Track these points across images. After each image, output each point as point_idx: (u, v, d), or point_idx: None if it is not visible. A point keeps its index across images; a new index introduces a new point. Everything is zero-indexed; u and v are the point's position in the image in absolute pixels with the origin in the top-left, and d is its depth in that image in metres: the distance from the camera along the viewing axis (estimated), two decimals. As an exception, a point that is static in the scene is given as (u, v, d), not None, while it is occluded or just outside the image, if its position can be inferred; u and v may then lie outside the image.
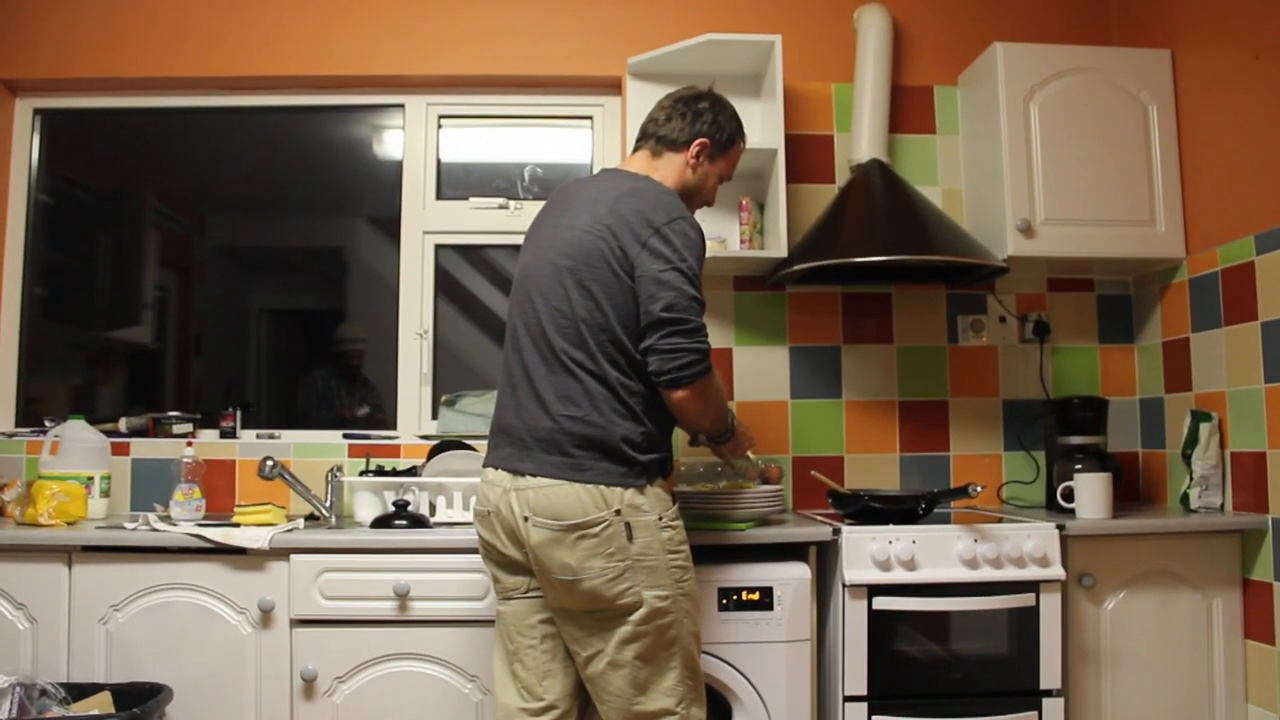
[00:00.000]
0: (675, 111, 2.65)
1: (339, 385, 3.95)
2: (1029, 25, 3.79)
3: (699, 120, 2.63)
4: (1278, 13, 2.98)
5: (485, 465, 2.49)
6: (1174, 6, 3.49)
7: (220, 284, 4.14)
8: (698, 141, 2.62)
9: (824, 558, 2.96)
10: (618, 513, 2.29)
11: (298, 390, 3.97)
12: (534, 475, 2.33)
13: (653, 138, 2.65)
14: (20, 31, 3.69)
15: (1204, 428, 3.24)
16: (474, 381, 3.77)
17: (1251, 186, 3.14)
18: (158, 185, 4.07)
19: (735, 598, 2.77)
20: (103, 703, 2.65)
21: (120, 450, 3.51)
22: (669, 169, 2.62)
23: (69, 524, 3.00)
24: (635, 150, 2.70)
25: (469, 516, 3.09)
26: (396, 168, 3.87)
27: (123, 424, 3.60)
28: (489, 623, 2.68)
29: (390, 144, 3.95)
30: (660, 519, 2.35)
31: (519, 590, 2.46)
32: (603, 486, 2.30)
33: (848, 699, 2.83)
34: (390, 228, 3.86)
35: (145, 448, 3.55)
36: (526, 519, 2.32)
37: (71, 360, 3.97)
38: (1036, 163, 3.40)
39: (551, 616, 2.43)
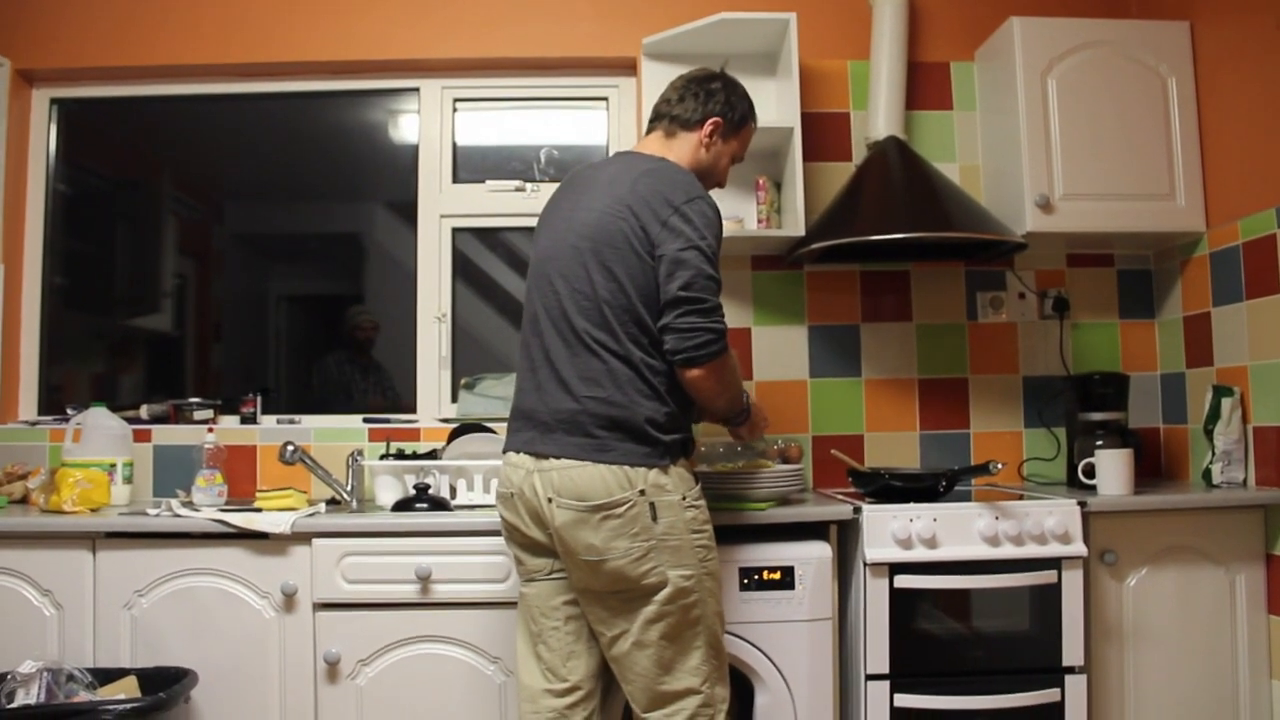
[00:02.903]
0: (688, 92, 2.65)
1: (353, 370, 3.96)
2: (1044, 0, 3.76)
3: (712, 100, 2.64)
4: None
5: (507, 449, 2.49)
6: (1193, -22, 3.46)
7: (238, 271, 4.16)
8: (711, 120, 2.63)
9: (845, 536, 2.96)
10: (642, 493, 2.30)
11: (312, 376, 3.99)
12: (557, 457, 2.34)
13: (666, 118, 2.65)
14: (35, 21, 3.70)
15: (1226, 402, 3.22)
16: (492, 364, 3.77)
17: (1273, 159, 3.11)
18: (174, 173, 4.09)
19: (757, 577, 2.78)
20: (129, 687, 2.68)
21: (142, 437, 3.53)
22: (683, 149, 2.62)
23: (92, 511, 3.02)
24: (649, 131, 2.71)
25: (490, 499, 3.10)
26: (413, 152, 3.87)
27: (144, 411, 3.62)
28: (511, 604, 2.69)
29: (406, 128, 3.95)
30: (684, 499, 2.36)
31: (542, 572, 2.47)
32: (627, 467, 2.30)
33: (870, 677, 2.83)
34: (407, 212, 3.86)
35: (167, 434, 3.56)
36: (550, 500, 2.33)
37: (92, 348, 3.99)
38: (1055, 138, 3.38)
39: (575, 598, 2.44)
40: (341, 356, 3.97)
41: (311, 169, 4.08)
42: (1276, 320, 3.09)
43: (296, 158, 4.08)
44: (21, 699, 2.60)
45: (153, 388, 3.92)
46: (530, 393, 2.46)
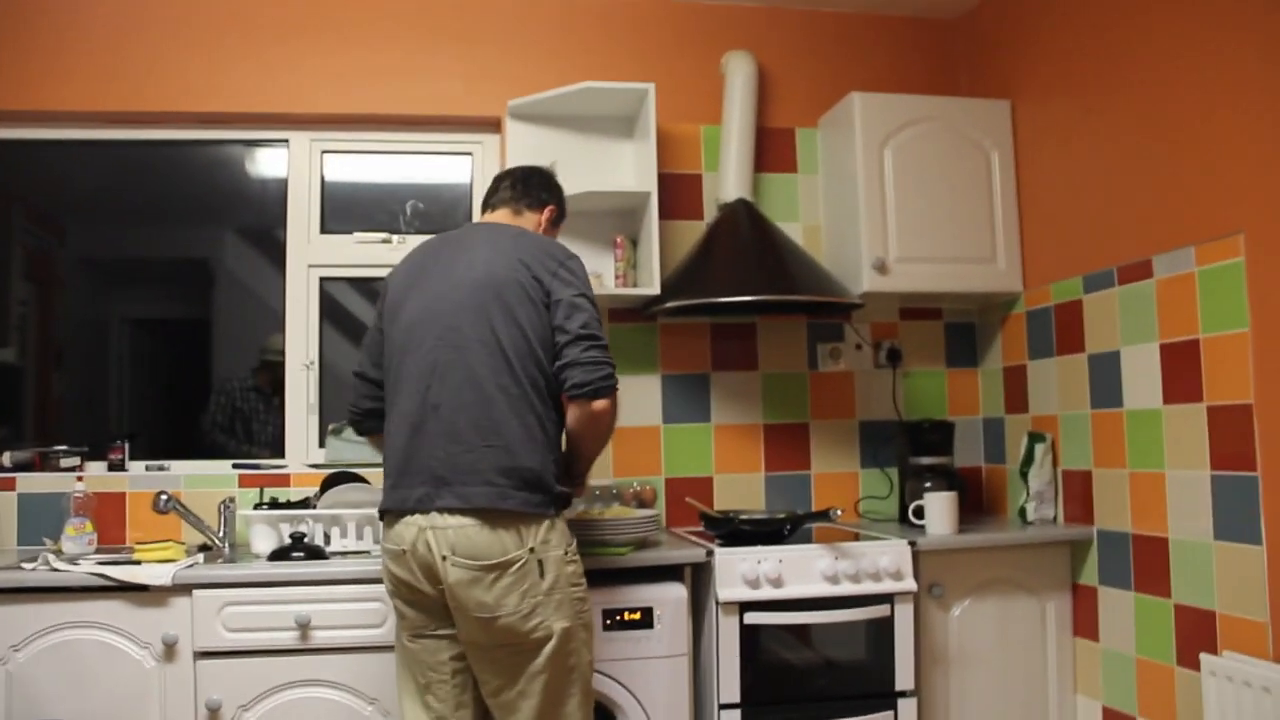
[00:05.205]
0: (532, 183, 2.93)
1: (259, 401, 3.99)
2: (884, 74, 4.08)
3: (554, 192, 2.96)
4: (1107, 71, 3.29)
5: (392, 506, 2.54)
6: (1013, 60, 3.80)
7: (84, 299, 4.14)
8: (549, 208, 2.91)
9: (698, 576, 3.17)
10: (532, 550, 2.44)
11: (209, 405, 4.00)
12: (454, 512, 2.43)
13: (512, 201, 2.89)
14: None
15: (1039, 448, 3.56)
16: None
17: (1081, 230, 3.45)
18: (22, 201, 4.04)
19: (618, 618, 2.98)
20: (7, 741, 2.71)
21: (5, 485, 3.52)
22: (528, 226, 2.85)
23: (-40, 564, 3.03)
24: (494, 209, 2.91)
25: (363, 546, 3.21)
26: (269, 183, 3.96)
27: (6, 458, 3.59)
28: (388, 648, 2.81)
29: (262, 161, 4.04)
30: (565, 554, 2.51)
31: (429, 629, 2.55)
32: (520, 525, 2.43)
33: (723, 706, 3.06)
34: (257, 239, 3.92)
35: (31, 482, 3.55)
36: (445, 558, 2.42)
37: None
38: (890, 204, 3.66)
39: (461, 652, 2.54)
40: (247, 385, 4.03)
41: (161, 193, 4.10)
42: (1082, 375, 3.43)
43: (147, 183, 4.09)
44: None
45: (4, 422, 3.88)
46: (418, 448, 2.51)
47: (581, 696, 2.54)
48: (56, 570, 2.91)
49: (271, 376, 3.98)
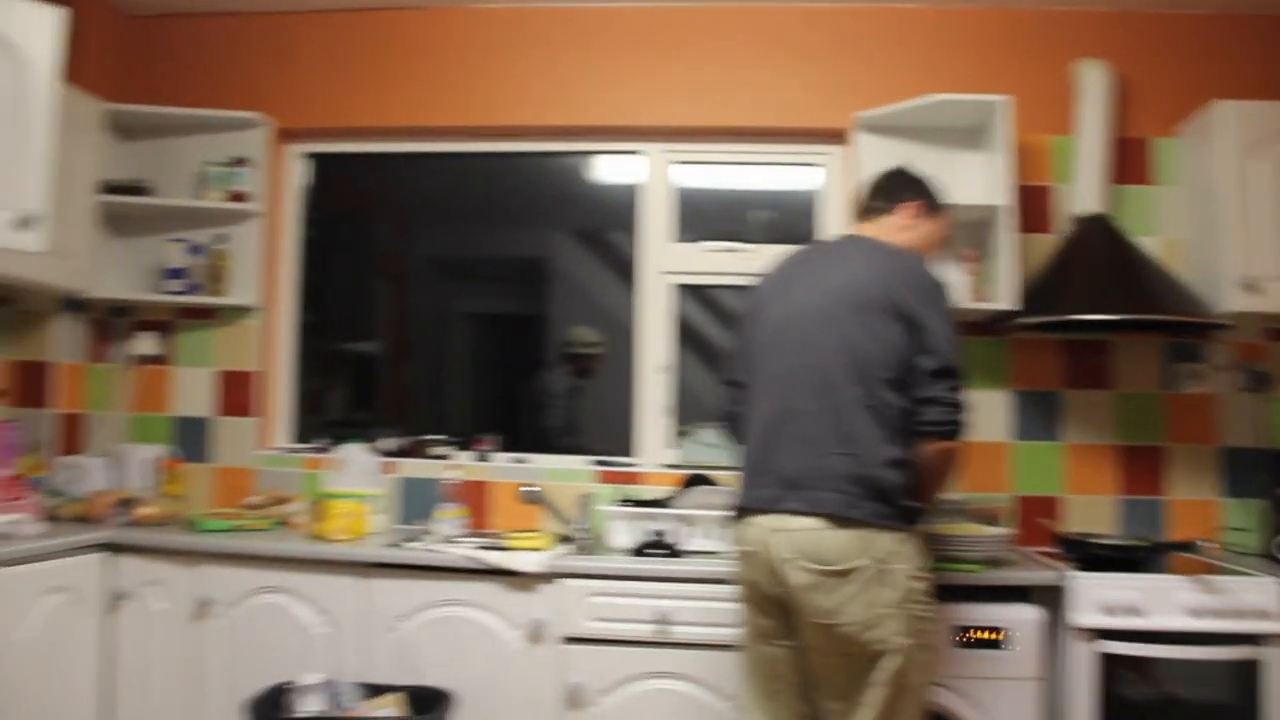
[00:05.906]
0: (887, 186, 2.92)
1: (571, 394, 4.21)
2: (1246, 78, 3.83)
3: (914, 188, 2.91)
4: None
5: (743, 504, 2.62)
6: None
7: (430, 295, 4.54)
8: (913, 203, 2.87)
9: (1051, 598, 3.09)
10: (879, 560, 2.44)
11: (543, 406, 4.26)
12: (802, 515, 2.47)
13: (873, 211, 2.89)
14: (298, 86, 4.11)
15: None
16: (696, 412, 3.98)
17: None
18: (386, 206, 4.44)
19: (969, 635, 2.96)
20: (398, 701, 2.98)
21: (387, 469, 3.85)
22: (892, 230, 2.83)
23: (355, 539, 3.35)
24: (860, 221, 2.92)
25: (717, 546, 3.31)
26: (601, 188, 4.19)
27: (387, 444, 3.94)
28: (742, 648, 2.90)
29: (595, 165, 4.27)
30: (914, 570, 2.50)
31: (775, 635, 2.61)
32: (867, 531, 2.43)
33: (1075, 735, 2.99)
34: (590, 239, 4.17)
35: (408, 467, 3.89)
36: (789, 561, 2.47)
37: (324, 378, 4.33)
38: (1259, 219, 3.45)
39: (807, 662, 2.58)
40: (563, 378, 4.26)
41: (499, 196, 4.41)
42: None
43: (487, 187, 4.42)
44: (306, 707, 2.93)
45: (358, 407, 4.27)
46: (774, 449, 2.57)
47: (917, 716, 2.54)
48: (437, 551, 3.18)
49: (578, 367, 4.18)
